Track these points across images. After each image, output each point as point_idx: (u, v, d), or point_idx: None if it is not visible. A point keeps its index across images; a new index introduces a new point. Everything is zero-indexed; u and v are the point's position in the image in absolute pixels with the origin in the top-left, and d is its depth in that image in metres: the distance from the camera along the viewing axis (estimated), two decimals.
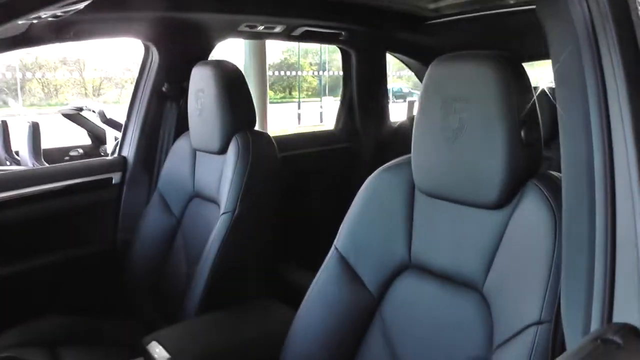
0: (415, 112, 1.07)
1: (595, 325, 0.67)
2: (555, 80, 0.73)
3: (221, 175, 1.58)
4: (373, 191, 1.11)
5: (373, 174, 1.13)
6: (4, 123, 4.02)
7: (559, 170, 0.81)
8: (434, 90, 0.99)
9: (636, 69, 0.65)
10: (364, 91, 2.47)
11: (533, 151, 0.92)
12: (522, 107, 0.90)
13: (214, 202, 1.61)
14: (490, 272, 0.94)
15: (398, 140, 2.51)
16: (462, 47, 1.11)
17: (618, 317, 0.65)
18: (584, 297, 0.70)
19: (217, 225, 1.51)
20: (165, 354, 1.17)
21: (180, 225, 1.72)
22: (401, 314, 1.05)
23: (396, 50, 2.64)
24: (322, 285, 1.12)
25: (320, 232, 1.50)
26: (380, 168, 1.13)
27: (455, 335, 0.96)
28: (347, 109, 2.50)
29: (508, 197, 0.92)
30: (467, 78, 0.95)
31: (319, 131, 3.81)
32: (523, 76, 0.92)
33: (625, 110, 0.65)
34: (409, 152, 1.06)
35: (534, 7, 0.82)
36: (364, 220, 1.11)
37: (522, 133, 0.89)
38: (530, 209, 0.89)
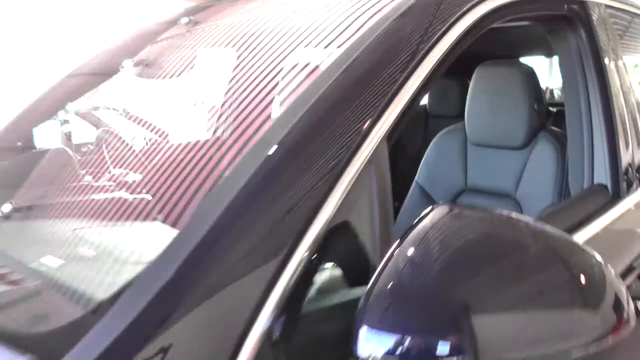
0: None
1: None
2: (561, 74, 1.38)
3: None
4: (439, 145, 1.78)
5: (437, 135, 1.80)
6: None
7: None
8: (482, 84, 1.65)
9: (600, 71, 1.30)
10: None
11: (542, 116, 1.59)
12: (534, 91, 1.57)
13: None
14: (519, 186, 1.61)
15: None
16: (485, 53, 1.78)
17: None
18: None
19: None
20: None
21: None
22: None
23: None
24: (407, 208, 1.78)
25: None
26: (441, 131, 1.80)
27: None
28: None
29: (528, 141, 1.59)
30: (504, 77, 1.61)
31: None
32: (534, 75, 1.59)
33: (596, 91, 1.31)
34: None
35: (528, 23, 1.42)
36: (435, 162, 1.77)
37: (535, 106, 1.57)
38: (542, 147, 1.56)
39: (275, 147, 0.65)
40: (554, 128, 1.61)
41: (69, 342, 0.52)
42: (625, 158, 1.27)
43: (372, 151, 0.68)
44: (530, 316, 0.58)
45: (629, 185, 1.27)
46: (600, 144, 1.25)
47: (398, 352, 0.53)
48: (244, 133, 0.79)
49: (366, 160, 0.68)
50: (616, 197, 1.22)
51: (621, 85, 1.35)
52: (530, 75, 1.58)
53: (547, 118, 1.65)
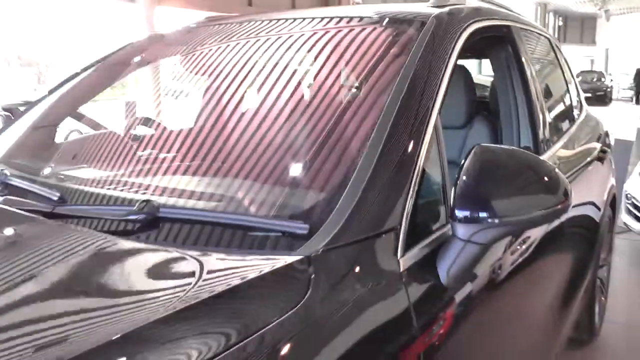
0: None
1: None
2: (494, 71, 1.99)
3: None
4: None
5: None
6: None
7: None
8: None
9: (521, 69, 1.92)
10: None
11: (475, 103, 2.20)
12: (470, 85, 2.17)
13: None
14: (461, 155, 2.20)
15: None
16: None
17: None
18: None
19: None
20: None
21: None
22: None
23: None
24: None
25: None
26: None
27: None
28: None
29: (467, 121, 2.19)
30: None
31: None
32: (468, 72, 2.19)
33: (519, 83, 1.93)
34: None
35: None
36: None
37: (471, 95, 2.17)
38: (479, 125, 2.17)
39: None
40: (484, 112, 2.23)
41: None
42: (540, 128, 1.89)
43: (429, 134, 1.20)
44: (522, 198, 1.11)
45: (545, 145, 1.89)
46: (524, 119, 1.87)
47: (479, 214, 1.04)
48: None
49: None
50: (537, 153, 1.84)
51: (534, 79, 1.98)
52: (466, 73, 2.18)
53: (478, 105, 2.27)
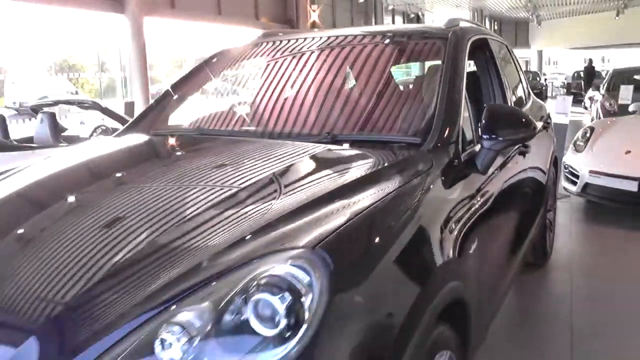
0: None
1: None
2: (477, 70, 3.04)
3: None
4: None
5: None
6: (53, 115, 5.21)
7: None
8: None
9: (496, 68, 2.99)
10: None
11: None
12: None
13: None
14: None
15: None
16: None
17: None
18: None
19: None
20: None
21: None
22: None
23: None
24: None
25: None
26: None
27: None
28: None
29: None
30: None
31: None
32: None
33: (495, 78, 2.98)
34: None
35: None
36: None
37: None
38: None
39: None
40: None
41: None
42: (509, 104, 2.97)
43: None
44: (512, 129, 2.15)
45: None
46: (499, 99, 2.93)
47: None
48: None
49: None
50: None
51: (503, 73, 3.05)
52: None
53: None
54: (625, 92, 8.87)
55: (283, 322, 1.12)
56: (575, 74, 25.39)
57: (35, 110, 5.99)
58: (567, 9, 30.45)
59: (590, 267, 4.18)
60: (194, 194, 1.68)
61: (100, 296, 1.24)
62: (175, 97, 2.78)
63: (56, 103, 6.64)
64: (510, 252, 2.68)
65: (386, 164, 1.86)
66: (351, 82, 2.50)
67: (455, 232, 1.73)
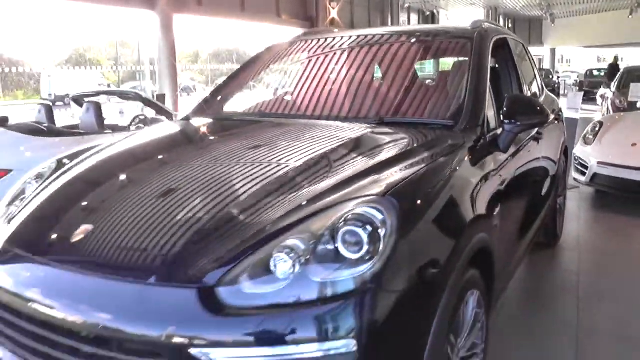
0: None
1: None
2: (498, 66, 3.45)
3: None
4: None
5: None
6: (98, 104, 5.60)
7: None
8: None
9: (514, 64, 3.40)
10: None
11: None
12: None
13: None
14: None
15: None
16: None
17: None
18: None
19: None
20: None
21: None
22: None
23: None
24: None
25: None
26: None
27: None
28: None
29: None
30: None
31: None
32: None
33: (514, 73, 3.40)
34: None
35: None
36: None
37: None
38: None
39: None
40: None
41: None
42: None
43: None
44: (530, 115, 2.58)
45: None
46: (517, 92, 3.34)
47: None
48: None
49: None
50: None
51: (520, 69, 3.47)
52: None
53: None
54: (636, 90, 9.22)
55: (365, 248, 1.54)
56: (588, 72, 25.56)
57: (76, 100, 6.38)
58: (581, 7, 30.58)
59: (597, 247, 4.59)
60: (284, 160, 2.13)
61: (223, 229, 1.69)
62: (233, 85, 3.24)
63: (98, 94, 7.01)
64: (526, 220, 3.09)
65: (429, 139, 2.29)
66: (393, 74, 2.94)
67: (482, 195, 2.16)
